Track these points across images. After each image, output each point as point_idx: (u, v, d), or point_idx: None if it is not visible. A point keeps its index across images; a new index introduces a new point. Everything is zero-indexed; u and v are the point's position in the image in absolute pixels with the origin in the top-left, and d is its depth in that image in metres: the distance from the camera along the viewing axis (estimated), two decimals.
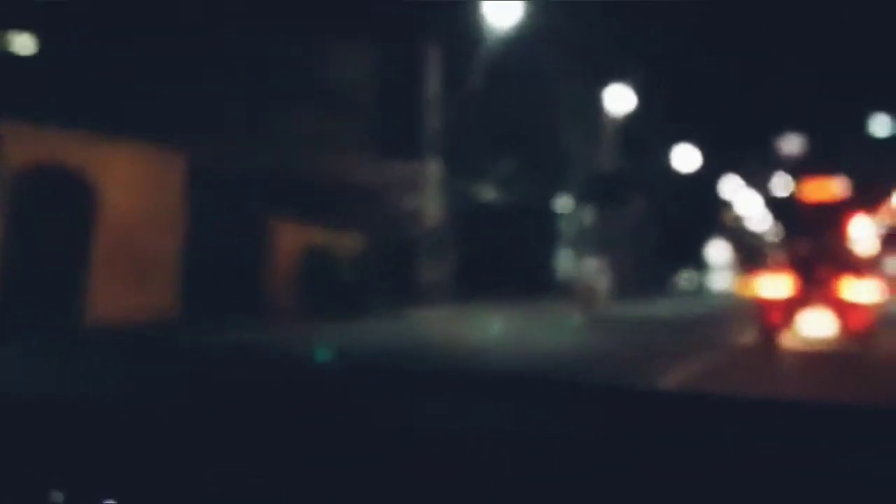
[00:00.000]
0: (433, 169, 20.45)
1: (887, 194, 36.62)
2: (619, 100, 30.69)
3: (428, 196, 20.20)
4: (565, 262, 28.80)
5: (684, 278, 36.44)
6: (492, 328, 14.33)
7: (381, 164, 18.47)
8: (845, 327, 12.10)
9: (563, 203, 29.74)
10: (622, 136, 32.12)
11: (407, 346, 10.76)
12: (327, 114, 17.74)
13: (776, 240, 44.95)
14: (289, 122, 17.49)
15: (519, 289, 21.61)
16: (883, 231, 33.74)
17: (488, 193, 23.99)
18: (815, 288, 12.55)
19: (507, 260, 22.72)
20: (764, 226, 54.44)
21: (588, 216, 28.93)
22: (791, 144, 40.30)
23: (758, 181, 50.14)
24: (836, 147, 35.34)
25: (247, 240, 15.23)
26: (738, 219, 57.10)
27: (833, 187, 37.06)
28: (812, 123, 35.55)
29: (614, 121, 31.38)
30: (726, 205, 55.08)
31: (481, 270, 22.30)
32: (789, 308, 12.49)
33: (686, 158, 38.08)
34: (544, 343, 12.52)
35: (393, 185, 18.57)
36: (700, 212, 43.26)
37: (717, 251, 52.39)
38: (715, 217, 48.74)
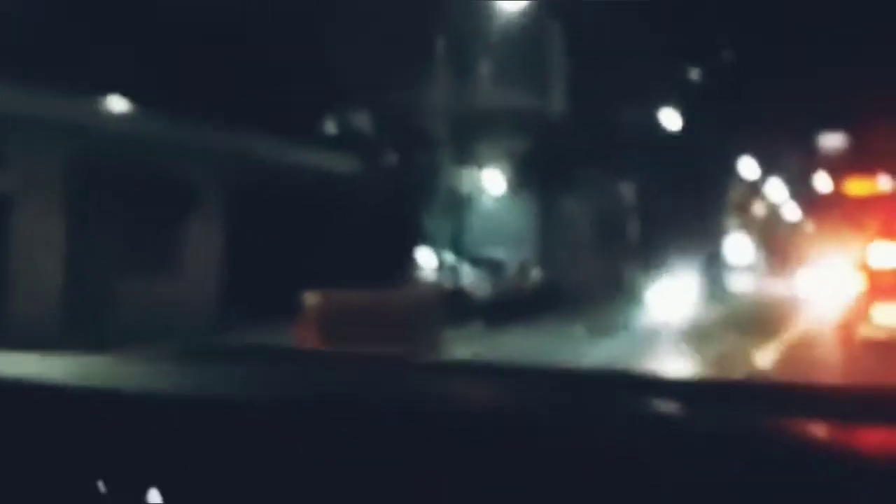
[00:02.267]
0: None
1: None
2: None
3: None
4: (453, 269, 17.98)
5: (662, 288, 24.78)
6: None
7: None
8: None
9: (467, 177, 19.00)
10: (566, 75, 21.30)
11: None
12: None
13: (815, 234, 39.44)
14: None
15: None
16: None
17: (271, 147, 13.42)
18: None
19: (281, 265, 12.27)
20: (795, 217, 45.14)
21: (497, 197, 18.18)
22: (832, 140, 40.23)
23: (783, 168, 43.20)
24: (879, 143, 33.76)
25: None
26: (771, 206, 47.04)
27: (879, 183, 37.06)
28: (849, 119, 35.35)
29: (550, 50, 20.47)
30: (752, 188, 44.37)
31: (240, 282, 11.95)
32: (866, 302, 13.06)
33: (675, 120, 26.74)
34: None
35: None
36: (708, 192, 32.26)
37: (738, 248, 41.64)
38: (727, 202, 37.80)
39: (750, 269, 41.80)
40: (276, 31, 13.38)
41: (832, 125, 38.48)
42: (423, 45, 15.60)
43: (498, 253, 19.51)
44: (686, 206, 28.95)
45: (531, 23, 19.05)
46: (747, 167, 40.66)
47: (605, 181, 23.93)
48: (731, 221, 41.02)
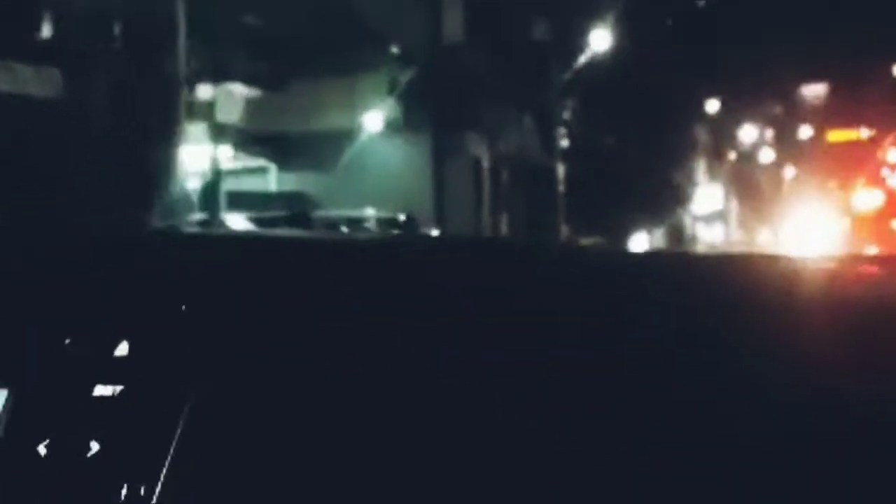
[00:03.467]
0: None
1: None
2: None
3: None
4: None
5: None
6: None
7: None
8: None
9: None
10: None
11: None
12: None
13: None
14: None
15: None
16: None
17: None
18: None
19: None
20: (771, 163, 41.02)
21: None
22: (813, 90, 38.67)
23: (760, 114, 40.56)
24: (861, 94, 31.27)
25: None
26: (744, 151, 42.77)
27: (861, 132, 32.72)
28: (831, 69, 34.75)
29: None
30: (723, 131, 39.90)
31: None
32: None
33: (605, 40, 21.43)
34: None
35: None
36: (666, 134, 27.43)
37: (706, 195, 37.08)
38: (692, 146, 33.14)
39: (720, 217, 37.95)
40: None
41: (813, 75, 37.50)
42: None
43: (364, 210, 14.73)
44: (638, 149, 24.20)
45: None
46: (717, 110, 36.43)
47: (524, 117, 19.10)
48: (699, 167, 36.78)
